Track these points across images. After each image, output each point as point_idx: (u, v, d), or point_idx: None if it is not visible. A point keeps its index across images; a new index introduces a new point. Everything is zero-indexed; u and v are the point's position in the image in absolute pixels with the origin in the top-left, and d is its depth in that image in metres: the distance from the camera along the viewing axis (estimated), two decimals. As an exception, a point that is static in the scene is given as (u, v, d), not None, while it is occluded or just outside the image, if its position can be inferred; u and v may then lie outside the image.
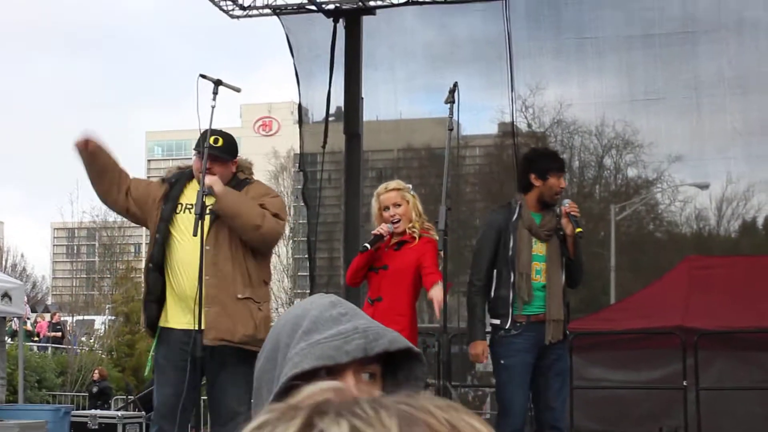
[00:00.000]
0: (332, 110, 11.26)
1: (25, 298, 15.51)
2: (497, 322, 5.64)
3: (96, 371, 19.11)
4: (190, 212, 5.01)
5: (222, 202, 4.88)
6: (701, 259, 11.26)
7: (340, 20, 11.00)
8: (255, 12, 11.26)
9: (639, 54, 10.72)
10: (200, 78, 5.23)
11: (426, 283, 5.34)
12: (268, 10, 11.21)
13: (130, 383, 21.14)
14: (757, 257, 11.57)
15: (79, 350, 21.81)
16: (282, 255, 45.89)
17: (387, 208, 5.54)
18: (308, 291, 12.25)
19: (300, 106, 11.66)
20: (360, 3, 10.96)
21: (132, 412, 13.68)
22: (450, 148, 5.67)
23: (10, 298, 12.65)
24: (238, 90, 5.45)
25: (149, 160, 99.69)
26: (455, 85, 5.67)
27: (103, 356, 22.42)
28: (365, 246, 5.51)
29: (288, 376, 1.42)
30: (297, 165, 14.44)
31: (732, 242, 13.44)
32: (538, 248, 5.67)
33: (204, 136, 5.06)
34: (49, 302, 43.99)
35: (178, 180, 5.20)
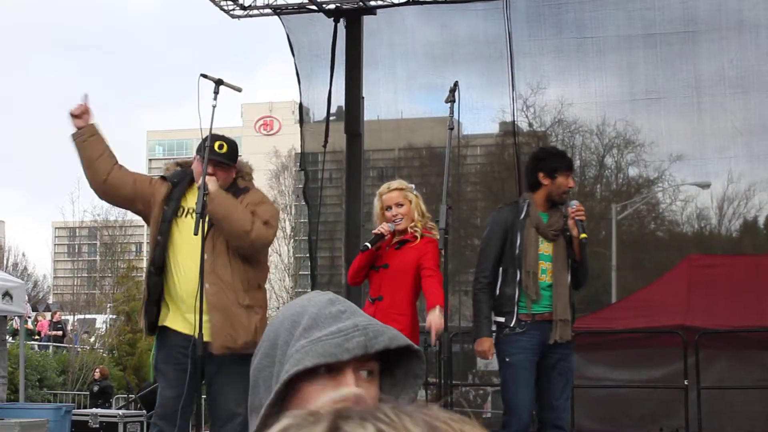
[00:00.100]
0: (333, 110, 11.26)
1: (26, 297, 15.52)
2: (502, 320, 5.63)
3: (97, 370, 19.11)
4: (191, 216, 5.03)
5: (213, 203, 4.88)
6: (702, 258, 11.27)
7: (341, 20, 11.01)
8: (256, 12, 11.27)
9: (640, 53, 10.71)
10: (201, 78, 5.24)
11: (426, 292, 5.34)
12: (268, 10, 11.21)
13: (131, 382, 21.14)
14: (759, 256, 11.57)
15: (80, 349, 21.82)
16: (283, 254, 45.92)
17: (389, 207, 5.54)
18: (309, 290, 12.24)
19: (301, 105, 11.66)
20: (360, 2, 10.97)
21: (133, 411, 13.69)
22: (451, 147, 5.67)
23: (11, 297, 12.66)
24: (239, 89, 5.46)
25: (150, 159, 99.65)
26: (456, 84, 5.67)
27: (104, 355, 22.43)
28: (366, 245, 5.52)
29: (289, 374, 1.42)
30: (298, 164, 14.45)
31: (733, 241, 13.45)
32: (545, 247, 5.67)
33: (207, 140, 5.06)
34: (50, 301, 43.97)
35: (180, 181, 5.20)
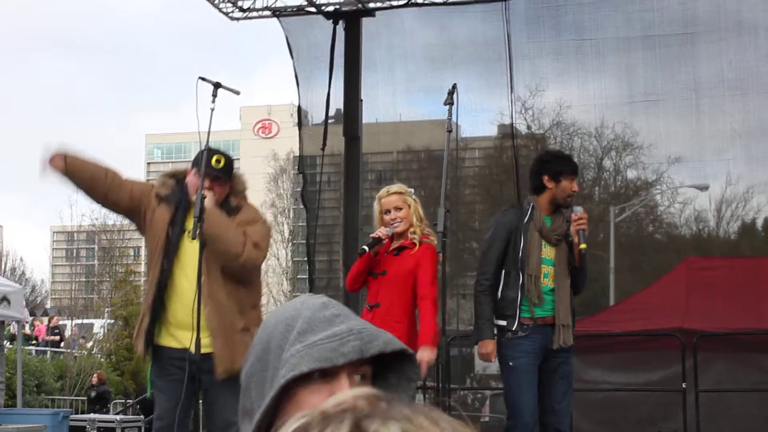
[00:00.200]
0: (332, 112, 11.26)
1: (24, 302, 15.48)
2: (503, 323, 5.61)
3: (95, 375, 19.09)
4: (188, 237, 5.03)
5: (208, 221, 4.86)
6: (701, 260, 11.27)
7: (340, 22, 11.00)
8: (254, 14, 11.26)
9: (638, 55, 10.71)
10: (199, 80, 5.23)
11: (420, 319, 5.34)
12: (267, 12, 11.21)
13: (129, 387, 21.12)
14: (757, 258, 11.58)
15: (77, 354, 21.79)
16: (281, 258, 45.92)
17: (388, 211, 5.53)
18: (308, 294, 12.22)
19: (299, 108, 11.66)
20: (359, 5, 10.96)
21: (131, 416, 13.68)
22: (449, 150, 5.66)
23: (9, 302, 12.64)
24: (237, 92, 5.45)
25: (149, 163, 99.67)
26: (454, 86, 5.65)
27: (101, 360, 22.40)
28: (363, 248, 5.50)
29: (286, 379, 1.41)
30: (296, 167, 14.47)
31: (731, 244, 13.46)
32: (547, 252, 5.66)
33: (203, 154, 5.03)
34: (48, 306, 43.94)
35: (179, 203, 5.13)
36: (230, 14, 11.27)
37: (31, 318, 27.25)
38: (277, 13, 11.18)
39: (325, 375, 1.43)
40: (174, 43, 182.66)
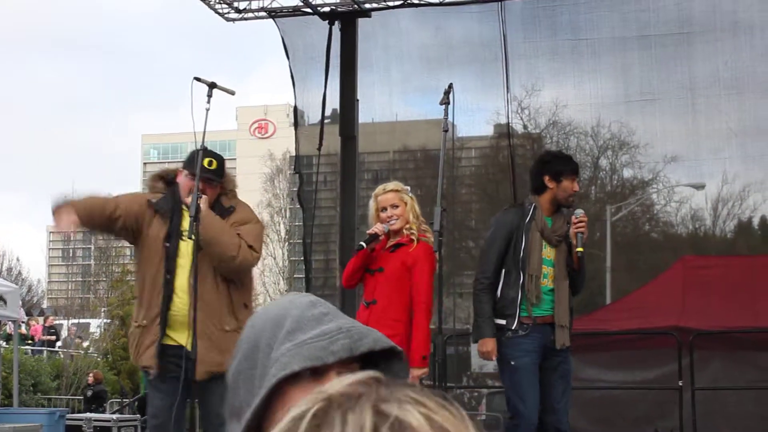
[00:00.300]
0: (328, 112, 11.26)
1: (20, 302, 15.48)
2: (503, 322, 5.61)
3: (91, 375, 19.10)
4: (182, 239, 5.03)
5: (203, 224, 4.87)
6: (697, 259, 11.29)
7: (336, 22, 11.01)
8: (250, 15, 11.26)
9: (634, 55, 10.73)
10: (195, 81, 5.23)
11: (412, 330, 5.36)
12: (263, 13, 11.21)
13: (126, 386, 21.13)
14: (753, 257, 11.60)
15: (73, 354, 21.79)
16: (278, 257, 45.91)
17: (384, 209, 5.53)
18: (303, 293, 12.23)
19: (295, 108, 11.66)
20: (355, 5, 10.96)
21: (127, 415, 13.68)
22: (445, 149, 5.67)
23: (5, 302, 12.65)
24: (232, 93, 5.45)
25: (145, 163, 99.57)
26: (450, 86, 5.66)
27: (98, 359, 22.40)
28: (361, 244, 5.51)
29: (277, 377, 1.42)
30: (293, 167, 14.47)
31: (727, 242, 13.48)
32: (547, 252, 5.67)
33: (195, 155, 5.03)
34: (44, 306, 43.90)
35: (173, 210, 5.12)
36: (226, 15, 11.27)
37: (27, 318, 27.23)
38: (273, 13, 11.18)
39: (315, 373, 1.44)
40: (170, 44, 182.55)
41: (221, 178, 5.13)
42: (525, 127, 12.68)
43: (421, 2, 10.85)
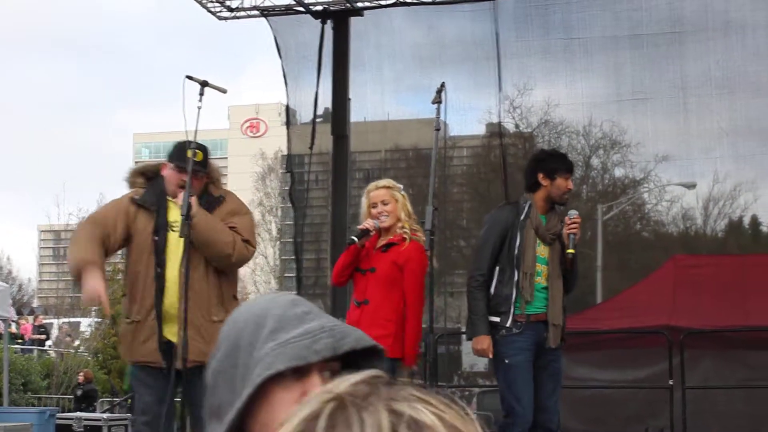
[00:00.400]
0: (320, 111, 11.25)
1: (11, 301, 15.43)
2: (497, 320, 5.61)
3: (81, 374, 19.03)
4: (172, 230, 5.01)
5: (196, 228, 4.87)
6: (688, 258, 11.31)
7: (328, 21, 11.00)
8: (242, 13, 11.24)
9: (626, 54, 10.74)
10: (186, 79, 5.22)
11: (405, 334, 5.39)
12: (255, 12, 11.19)
13: (116, 385, 21.07)
14: (744, 256, 11.62)
15: (63, 352, 21.73)
16: (269, 256, 45.87)
17: (375, 205, 5.53)
18: (295, 292, 12.23)
19: (288, 107, 11.64)
20: (347, 4, 10.95)
21: (117, 414, 13.64)
22: (437, 148, 5.67)
23: (-4, 301, 12.59)
24: (224, 91, 5.45)
25: (137, 162, 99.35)
26: (443, 85, 5.66)
27: (88, 358, 22.34)
28: (352, 239, 5.50)
29: (262, 377, 1.42)
30: (284, 166, 14.45)
31: (718, 241, 13.50)
32: (541, 250, 5.68)
33: (180, 148, 5.03)
34: (35, 305, 43.77)
35: (157, 204, 5.11)
36: (218, 14, 11.25)
37: (18, 317, 27.15)
38: (265, 12, 11.16)
39: (297, 372, 1.44)
40: (162, 43, 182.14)
41: (206, 169, 5.13)
42: (517, 126, 12.70)
43: (414, 1, 10.84)
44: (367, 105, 11.59)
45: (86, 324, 26.99)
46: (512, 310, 5.57)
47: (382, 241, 5.52)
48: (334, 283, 5.81)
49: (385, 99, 11.64)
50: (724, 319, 9.72)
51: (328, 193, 11.69)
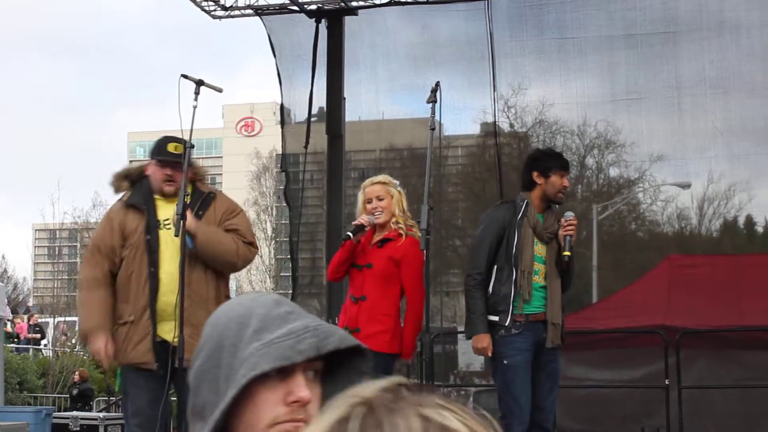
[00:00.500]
0: (314, 111, 11.24)
1: (6, 300, 15.41)
2: (496, 319, 5.60)
3: (77, 373, 19.00)
4: (165, 228, 5.00)
5: (197, 243, 4.88)
6: (683, 258, 11.31)
7: (322, 21, 10.99)
8: (237, 12, 11.23)
9: (621, 54, 10.74)
10: (182, 78, 5.22)
11: (403, 331, 5.42)
12: (250, 11, 11.18)
13: (112, 385, 21.03)
14: (738, 256, 11.62)
15: (59, 351, 21.69)
16: (264, 256, 45.81)
17: (370, 200, 5.54)
18: (290, 291, 12.22)
19: (282, 106, 11.63)
20: (342, 3, 10.95)
21: (113, 414, 13.62)
22: (432, 148, 5.66)
23: (-9, 300, 12.57)
24: (219, 90, 5.44)
25: (131, 161, 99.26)
26: (437, 84, 5.65)
27: (84, 357, 22.30)
28: (348, 234, 5.50)
29: (247, 378, 1.42)
30: (279, 165, 14.42)
31: (713, 241, 13.50)
32: (539, 249, 5.68)
33: (160, 143, 5.03)
34: (30, 304, 43.74)
35: (146, 203, 5.11)
36: (213, 13, 11.24)
37: (13, 316, 27.12)
38: (260, 11, 11.16)
39: (281, 372, 1.45)
40: (156, 42, 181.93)
41: (183, 160, 5.12)
42: (511, 125, 12.68)
43: (408, 0, 10.84)
44: (362, 104, 11.60)
45: (82, 323, 26.94)
46: (511, 309, 5.57)
47: (377, 237, 5.53)
48: (331, 279, 5.82)
49: (380, 98, 11.65)
50: (720, 319, 9.73)
51: (323, 192, 11.69)
